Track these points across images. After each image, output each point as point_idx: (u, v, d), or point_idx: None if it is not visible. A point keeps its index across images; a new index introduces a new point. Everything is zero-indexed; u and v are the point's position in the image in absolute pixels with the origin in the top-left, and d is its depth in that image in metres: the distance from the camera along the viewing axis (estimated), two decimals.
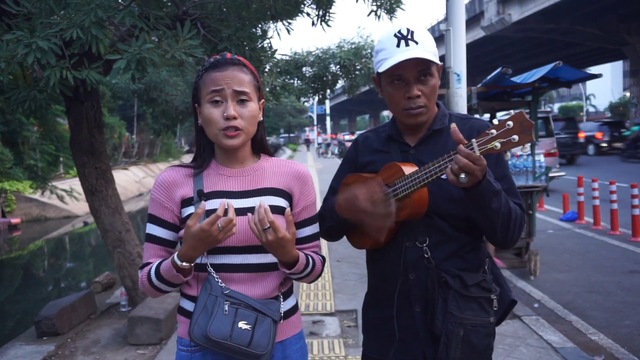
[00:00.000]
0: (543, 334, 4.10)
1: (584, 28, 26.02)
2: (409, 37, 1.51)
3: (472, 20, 27.99)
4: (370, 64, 6.89)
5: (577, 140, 20.25)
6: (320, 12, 4.25)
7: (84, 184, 4.76)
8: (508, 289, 1.64)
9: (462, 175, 1.34)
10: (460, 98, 4.88)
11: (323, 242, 1.64)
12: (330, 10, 4.27)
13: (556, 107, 56.18)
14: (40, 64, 3.10)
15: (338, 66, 6.84)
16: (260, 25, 4.31)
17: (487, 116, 7.76)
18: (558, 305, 4.92)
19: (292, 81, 6.84)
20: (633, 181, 8.04)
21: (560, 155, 14.33)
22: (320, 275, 1.59)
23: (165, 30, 3.18)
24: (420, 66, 1.51)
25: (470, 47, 26.57)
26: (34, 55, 2.73)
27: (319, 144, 46.05)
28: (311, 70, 6.88)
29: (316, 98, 7.65)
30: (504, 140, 1.29)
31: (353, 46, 6.99)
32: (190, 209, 1.46)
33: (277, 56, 5.83)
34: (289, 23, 4.28)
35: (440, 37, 23.69)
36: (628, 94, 38.27)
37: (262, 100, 1.55)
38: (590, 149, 22.32)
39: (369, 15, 4.20)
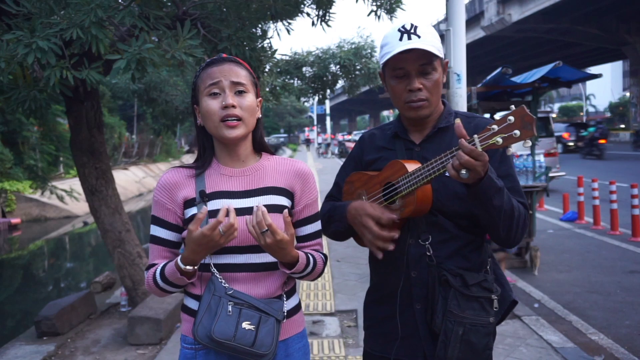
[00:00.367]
0: (543, 334, 4.10)
1: (584, 28, 26.03)
2: (412, 31, 1.52)
3: (472, 20, 27.99)
4: (370, 64, 6.90)
5: None
6: (320, 12, 4.25)
7: (84, 184, 4.76)
8: (509, 289, 1.64)
9: (463, 171, 1.34)
10: (460, 98, 4.88)
11: (324, 242, 1.65)
12: (330, 10, 4.27)
13: (556, 107, 56.22)
14: (40, 64, 3.10)
15: (338, 66, 6.85)
16: (260, 25, 4.31)
17: (487, 116, 7.75)
18: (558, 305, 4.92)
19: (292, 81, 6.84)
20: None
21: None
22: (322, 273, 1.60)
23: (165, 30, 3.18)
24: (422, 59, 1.52)
25: (470, 47, 26.58)
26: (34, 55, 2.73)
27: (319, 144, 46.05)
28: (311, 70, 6.89)
29: (316, 98, 7.66)
30: (506, 135, 1.29)
31: (353, 46, 6.99)
32: (192, 210, 1.46)
33: (277, 56, 5.83)
34: (289, 23, 4.29)
35: (440, 37, 23.64)
36: (628, 94, 38.27)
37: (260, 98, 1.56)
38: (559, 147, 23.29)
39: (369, 15, 4.20)
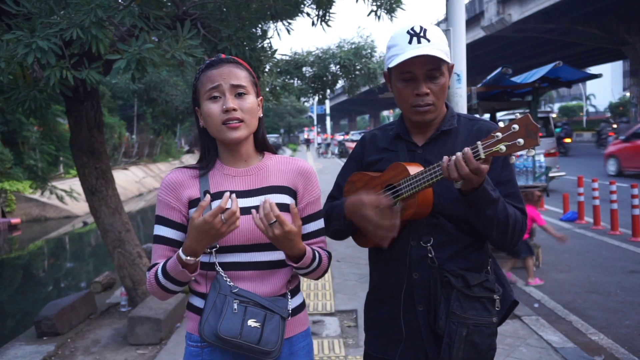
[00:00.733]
0: (543, 334, 4.10)
1: (584, 28, 26.00)
2: (422, 34, 1.51)
3: (472, 20, 27.96)
4: (370, 64, 6.90)
5: None
6: (320, 12, 4.25)
7: (84, 184, 4.76)
8: (510, 290, 1.64)
9: (458, 183, 1.37)
10: (460, 98, 4.87)
11: None
12: (330, 10, 4.27)
13: (556, 107, 56.20)
14: (40, 63, 3.10)
15: (338, 66, 6.85)
16: (260, 25, 4.31)
17: (487, 116, 7.76)
18: (558, 305, 4.92)
19: (292, 81, 6.84)
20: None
21: None
22: (326, 271, 1.61)
23: (165, 30, 3.18)
24: (430, 64, 1.51)
25: (470, 47, 26.58)
26: (34, 55, 2.73)
27: (318, 144, 46.05)
28: (311, 70, 6.89)
29: (316, 98, 7.66)
30: (509, 143, 1.29)
31: (353, 46, 6.99)
32: None
33: (277, 56, 5.83)
34: (289, 23, 4.29)
35: None
36: (628, 94, 38.27)
37: (261, 97, 1.56)
38: None
39: (369, 15, 4.20)
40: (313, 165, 26.24)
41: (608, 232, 7.86)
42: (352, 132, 49.86)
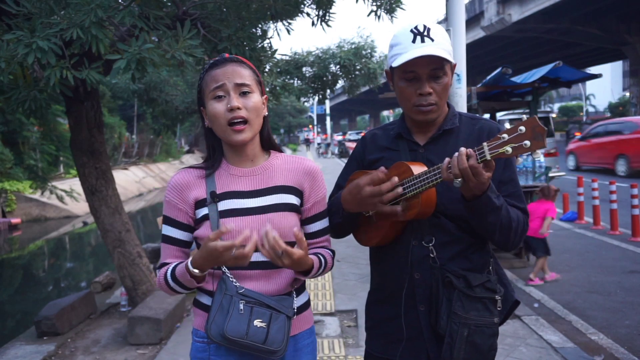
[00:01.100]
0: (543, 334, 4.10)
1: (584, 28, 25.99)
2: (426, 33, 1.50)
3: (472, 20, 27.95)
4: (370, 64, 6.90)
5: None
6: (320, 12, 4.25)
7: (84, 184, 4.76)
8: (512, 290, 1.64)
9: (457, 181, 1.36)
10: (460, 98, 4.88)
11: None
12: (330, 11, 4.27)
13: (556, 107, 56.18)
14: (40, 63, 3.10)
15: (338, 66, 6.85)
16: (260, 25, 4.31)
17: (487, 116, 7.76)
18: (558, 305, 4.92)
19: (292, 81, 6.85)
20: None
21: None
22: (331, 268, 1.64)
23: (165, 30, 3.18)
24: (433, 64, 1.51)
25: (470, 47, 26.58)
26: (34, 55, 2.74)
27: (318, 144, 46.07)
28: (311, 70, 6.89)
29: (316, 98, 7.67)
30: (516, 145, 1.29)
31: (353, 46, 7.00)
32: (204, 210, 1.49)
33: (277, 56, 5.83)
34: (289, 23, 4.28)
35: None
36: (628, 94, 38.27)
37: (265, 96, 1.57)
38: None
39: (369, 15, 4.19)
40: None
41: (608, 232, 7.86)
42: (349, 132, 50.31)
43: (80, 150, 4.67)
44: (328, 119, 53.52)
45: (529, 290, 5.39)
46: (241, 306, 1.41)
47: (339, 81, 7.34)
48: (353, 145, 35.88)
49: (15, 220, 13.53)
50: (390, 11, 4.21)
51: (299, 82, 7.00)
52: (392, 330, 1.62)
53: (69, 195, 8.97)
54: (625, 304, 4.91)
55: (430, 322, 1.55)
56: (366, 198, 1.48)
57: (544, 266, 5.62)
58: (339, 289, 5.45)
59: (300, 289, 1.59)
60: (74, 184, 9.66)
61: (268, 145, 1.61)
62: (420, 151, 1.62)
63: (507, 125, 1.38)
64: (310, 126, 56.95)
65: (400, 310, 1.58)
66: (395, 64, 1.54)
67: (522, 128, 1.28)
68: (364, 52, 6.96)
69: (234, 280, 1.46)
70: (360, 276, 5.85)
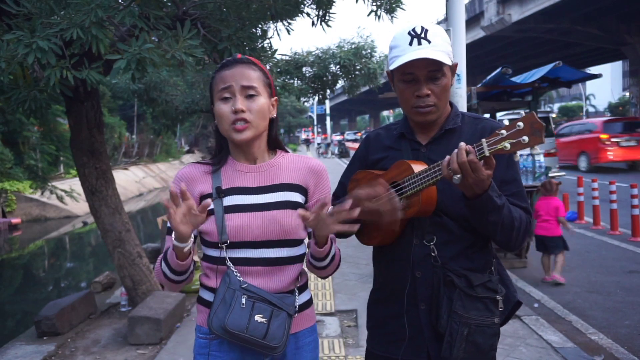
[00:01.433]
0: (543, 334, 4.10)
1: (584, 28, 25.99)
2: (423, 35, 1.51)
3: (472, 20, 27.96)
4: (370, 64, 6.90)
5: None
6: (320, 12, 4.25)
7: (84, 184, 4.76)
8: (514, 290, 1.64)
9: (456, 177, 1.36)
10: (460, 98, 4.88)
11: None
12: (330, 11, 4.27)
13: (556, 107, 56.17)
14: (40, 64, 3.10)
15: (338, 66, 6.84)
16: (260, 25, 4.31)
17: (486, 116, 7.76)
18: (558, 305, 4.92)
19: (292, 81, 6.84)
20: None
21: None
22: (338, 267, 1.65)
23: (165, 30, 3.18)
24: (431, 66, 1.51)
25: (470, 47, 26.56)
26: (34, 55, 2.74)
27: (318, 144, 46.10)
28: (311, 70, 6.89)
29: (316, 98, 7.66)
30: (514, 141, 1.30)
31: (353, 46, 6.99)
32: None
33: (277, 56, 5.83)
34: (289, 23, 4.28)
35: None
36: (628, 94, 38.29)
37: (275, 97, 1.60)
38: None
39: (369, 15, 4.19)
40: None
41: (608, 232, 7.87)
42: (347, 133, 50.81)
43: (80, 150, 4.67)
44: (328, 119, 53.48)
45: (529, 290, 5.39)
46: (243, 300, 1.43)
47: (339, 81, 7.33)
48: (351, 144, 36.01)
49: (15, 220, 13.53)
50: (390, 11, 4.21)
51: (299, 82, 7.00)
52: (394, 329, 1.62)
53: (69, 195, 8.96)
54: (625, 303, 4.91)
55: (431, 321, 1.55)
56: (365, 213, 1.51)
57: (550, 265, 5.62)
58: (339, 289, 5.45)
59: (303, 287, 1.61)
60: (74, 184, 9.65)
61: (275, 145, 1.63)
62: (422, 151, 1.62)
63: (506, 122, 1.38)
64: (310, 127, 57.05)
65: (402, 309, 1.59)
66: (392, 67, 1.55)
67: (520, 124, 1.29)
68: (364, 52, 6.95)
69: (238, 274, 1.48)
70: (360, 276, 5.85)
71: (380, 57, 7.17)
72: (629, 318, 4.56)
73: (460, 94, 4.90)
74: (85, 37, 2.80)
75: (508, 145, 1.30)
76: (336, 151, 35.89)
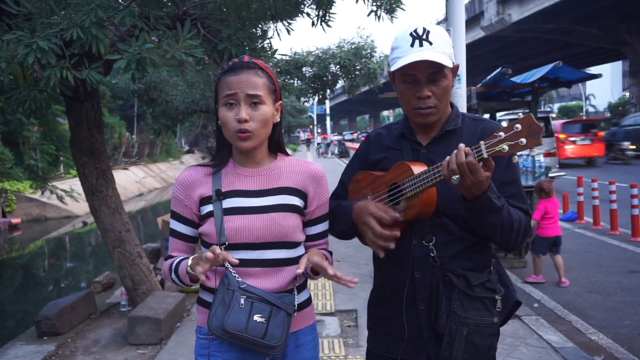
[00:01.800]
0: (543, 334, 4.10)
1: (584, 28, 26.01)
2: (424, 37, 1.51)
3: (472, 20, 27.98)
4: (370, 64, 6.90)
5: None
6: (320, 13, 4.25)
7: (84, 184, 4.76)
8: (513, 290, 1.65)
9: (455, 177, 1.36)
10: (460, 98, 4.89)
11: None
12: (330, 11, 4.27)
13: (556, 107, 56.16)
14: (40, 64, 3.10)
15: (338, 66, 6.85)
16: (260, 26, 4.31)
17: (486, 116, 7.77)
18: (558, 305, 4.92)
19: (292, 81, 6.84)
20: None
21: None
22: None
23: (165, 30, 3.18)
24: (432, 68, 1.51)
25: (470, 47, 26.57)
26: (34, 55, 2.74)
27: (318, 144, 46.16)
28: (311, 70, 6.89)
29: (316, 98, 7.66)
30: (512, 143, 1.30)
31: (353, 46, 6.99)
32: (208, 207, 1.54)
33: (277, 56, 5.83)
34: (289, 23, 4.28)
35: None
36: (627, 94, 38.30)
37: (280, 101, 1.60)
38: None
39: (369, 15, 4.19)
40: None
41: (608, 232, 7.86)
42: (344, 133, 51.42)
43: (80, 150, 4.67)
44: (328, 119, 53.51)
45: (529, 290, 5.39)
46: (242, 301, 1.45)
47: (339, 81, 7.34)
48: (350, 144, 36.11)
49: (15, 220, 13.53)
50: (390, 11, 4.21)
51: (299, 82, 7.00)
52: (394, 328, 1.62)
53: (69, 195, 8.97)
54: (625, 303, 4.91)
55: (430, 321, 1.55)
56: (365, 225, 1.55)
57: (541, 265, 5.63)
58: (339, 289, 5.45)
59: (302, 286, 1.62)
60: (74, 184, 9.65)
61: (276, 149, 1.64)
62: (422, 151, 1.62)
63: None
64: (308, 129, 57.31)
65: (401, 309, 1.59)
66: (393, 68, 1.55)
67: (518, 126, 1.29)
68: (364, 52, 6.96)
69: (237, 275, 1.49)
70: (360, 276, 5.85)
71: (380, 57, 7.17)
72: (629, 318, 4.56)
73: (460, 94, 4.90)
74: (85, 37, 2.80)
75: (506, 147, 1.30)
76: (336, 151, 35.88)
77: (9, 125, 12.69)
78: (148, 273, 5.00)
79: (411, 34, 1.52)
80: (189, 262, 1.47)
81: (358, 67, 6.87)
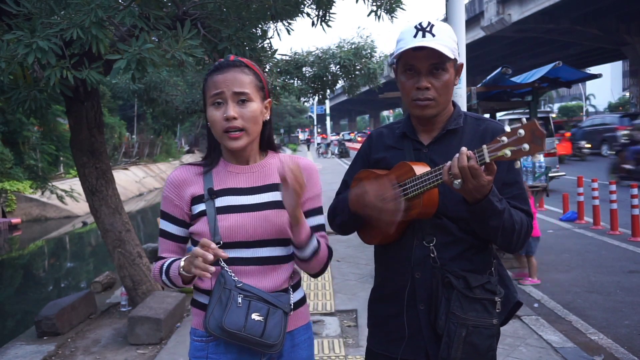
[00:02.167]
0: (543, 334, 4.10)
1: (584, 28, 26.00)
2: (428, 29, 1.52)
3: (472, 20, 27.96)
4: (370, 64, 6.89)
5: None
6: (320, 13, 4.25)
7: (84, 184, 4.76)
8: (514, 290, 1.64)
9: (457, 181, 1.36)
10: (460, 98, 4.88)
11: None
12: (330, 11, 4.27)
13: (556, 107, 56.16)
14: (40, 64, 3.10)
15: (338, 66, 6.84)
16: (260, 26, 4.31)
17: (486, 116, 7.77)
18: (558, 305, 4.92)
19: (292, 81, 6.83)
20: None
21: None
22: (326, 265, 1.62)
23: (165, 30, 3.19)
24: (433, 59, 1.52)
25: (470, 47, 26.57)
26: (34, 55, 2.74)
27: (318, 144, 46.18)
28: (311, 70, 6.88)
29: (316, 98, 7.65)
30: (515, 148, 1.29)
31: (353, 46, 6.98)
32: (200, 206, 1.52)
33: (277, 56, 5.83)
34: (289, 23, 4.29)
35: None
36: (627, 94, 38.31)
37: (269, 99, 1.59)
38: None
39: (369, 15, 4.20)
40: None
41: (608, 232, 7.86)
42: (342, 133, 51.94)
43: (80, 150, 4.67)
44: (328, 119, 53.52)
45: (529, 290, 5.40)
46: (239, 300, 1.44)
47: (339, 81, 7.33)
48: (350, 144, 36.24)
49: (15, 220, 13.53)
50: (390, 11, 4.21)
51: (299, 82, 6.99)
52: (394, 328, 1.63)
53: (69, 195, 8.97)
54: (625, 303, 4.91)
55: (430, 321, 1.55)
56: (368, 207, 1.52)
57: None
58: (339, 289, 5.45)
59: (296, 285, 1.61)
60: (74, 184, 9.65)
61: (267, 146, 1.63)
62: (424, 151, 1.62)
63: (507, 126, 1.38)
64: (307, 128, 57.46)
65: (401, 309, 1.59)
66: (395, 55, 1.57)
67: (522, 131, 1.28)
68: (364, 52, 6.95)
69: (233, 274, 1.48)
70: (360, 276, 5.85)
71: (380, 57, 7.16)
72: (629, 318, 4.56)
73: (460, 94, 4.90)
74: (85, 37, 2.80)
75: (509, 153, 1.29)
76: (336, 151, 35.87)
77: (9, 125, 12.70)
78: (148, 273, 5.00)
79: (416, 27, 1.54)
80: (182, 263, 1.44)
81: (358, 67, 6.87)
